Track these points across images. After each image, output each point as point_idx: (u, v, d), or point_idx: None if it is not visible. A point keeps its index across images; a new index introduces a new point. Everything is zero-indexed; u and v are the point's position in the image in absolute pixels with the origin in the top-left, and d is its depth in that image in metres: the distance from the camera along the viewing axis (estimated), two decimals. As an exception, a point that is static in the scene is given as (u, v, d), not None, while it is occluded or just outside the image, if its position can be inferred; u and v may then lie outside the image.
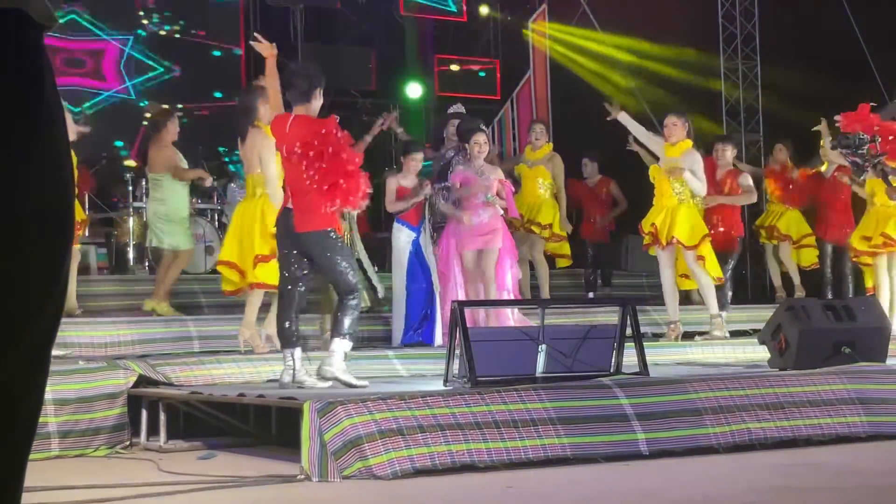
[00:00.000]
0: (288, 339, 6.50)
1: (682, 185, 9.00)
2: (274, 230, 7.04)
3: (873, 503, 4.48)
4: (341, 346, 6.39)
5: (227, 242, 7.93)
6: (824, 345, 7.00)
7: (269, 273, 7.71)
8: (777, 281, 11.74)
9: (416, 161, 9.06)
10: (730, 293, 9.96)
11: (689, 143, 9.08)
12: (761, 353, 7.55)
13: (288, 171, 6.58)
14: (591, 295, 11.82)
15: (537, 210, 10.62)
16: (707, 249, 9.04)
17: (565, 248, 11.07)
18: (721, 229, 9.74)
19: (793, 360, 6.89)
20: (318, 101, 6.59)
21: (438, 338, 8.64)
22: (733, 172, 10.09)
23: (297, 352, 6.49)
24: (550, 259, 11.24)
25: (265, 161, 7.56)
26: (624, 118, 9.35)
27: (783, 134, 12.08)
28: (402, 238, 9.01)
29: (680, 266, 9.23)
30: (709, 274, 9.02)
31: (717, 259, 9.24)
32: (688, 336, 9.19)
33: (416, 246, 8.97)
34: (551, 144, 10.81)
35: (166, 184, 9.16)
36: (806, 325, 7.00)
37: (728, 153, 10.13)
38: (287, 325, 6.49)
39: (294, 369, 6.44)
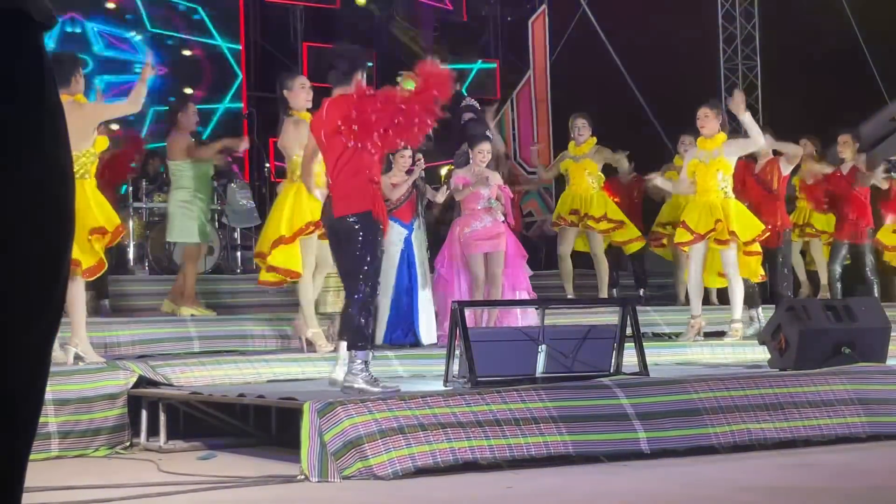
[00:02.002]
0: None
1: (727, 179, 8.89)
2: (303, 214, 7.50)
3: (873, 503, 4.48)
4: (363, 355, 6.00)
5: (263, 235, 7.97)
6: (824, 345, 7.00)
7: (287, 258, 7.71)
8: (802, 276, 11.60)
9: (405, 158, 9.00)
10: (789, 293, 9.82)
11: (724, 135, 8.93)
12: (761, 353, 7.55)
13: (327, 157, 6.18)
14: (614, 292, 11.76)
15: (588, 203, 10.53)
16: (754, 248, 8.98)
17: (632, 232, 10.80)
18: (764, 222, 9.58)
19: (793, 360, 6.89)
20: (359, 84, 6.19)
21: (423, 337, 8.62)
22: (773, 161, 9.78)
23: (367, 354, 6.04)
24: (618, 250, 11.17)
25: (288, 150, 7.76)
26: (662, 183, 9.26)
27: (783, 134, 12.06)
28: (394, 235, 8.86)
29: (716, 265, 9.12)
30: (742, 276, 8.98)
31: (765, 256, 9.21)
32: (710, 335, 9.15)
33: (408, 243, 8.90)
34: (595, 138, 10.58)
35: (187, 172, 9.14)
36: (806, 325, 6.99)
37: (768, 146, 9.88)
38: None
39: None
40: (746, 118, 8.68)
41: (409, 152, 8.95)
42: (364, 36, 15.84)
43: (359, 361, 5.91)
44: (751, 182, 9.37)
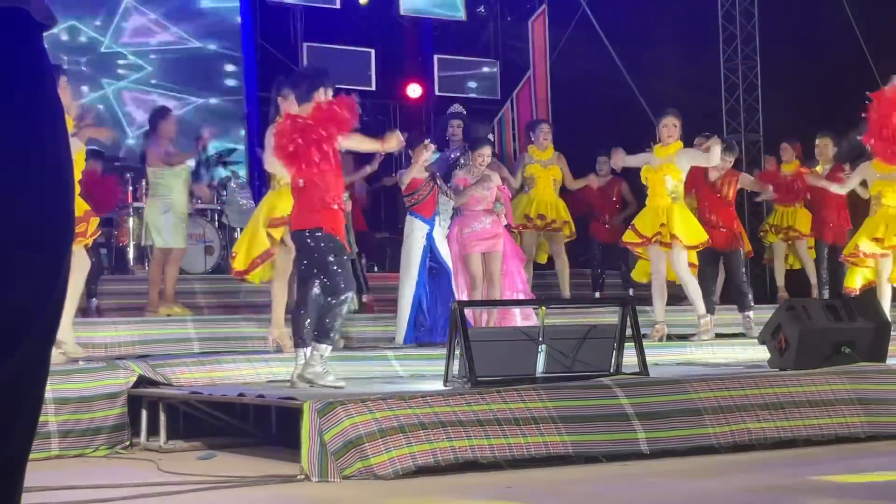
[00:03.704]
0: (302, 337, 6.48)
1: (676, 185, 9.00)
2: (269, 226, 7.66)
3: (872, 503, 4.48)
4: (322, 349, 6.36)
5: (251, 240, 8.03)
6: (824, 345, 7.00)
7: (266, 269, 7.80)
8: (780, 281, 11.68)
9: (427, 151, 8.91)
10: (750, 294, 9.90)
11: (681, 143, 9.09)
12: (761, 353, 7.55)
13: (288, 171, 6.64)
14: (597, 294, 11.79)
15: (556, 209, 10.67)
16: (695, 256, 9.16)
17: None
18: (722, 229, 9.70)
19: (793, 360, 6.89)
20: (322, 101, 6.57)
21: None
22: (732, 174, 9.98)
23: (310, 351, 6.46)
24: (609, 250, 11.28)
25: (268, 160, 7.77)
26: (627, 161, 9.36)
27: (783, 134, 12.06)
28: (416, 231, 8.80)
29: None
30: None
31: (721, 259, 9.30)
32: (681, 337, 9.19)
33: (430, 240, 8.78)
34: (552, 145, 10.83)
35: (165, 180, 9.20)
36: (806, 324, 6.99)
37: (726, 163, 9.98)
38: (306, 323, 6.46)
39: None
40: (715, 155, 8.99)
41: (431, 145, 8.88)
42: (364, 36, 15.84)
43: (301, 357, 6.38)
44: (705, 189, 9.54)
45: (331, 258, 6.37)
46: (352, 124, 6.47)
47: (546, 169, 10.67)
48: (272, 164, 7.67)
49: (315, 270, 6.42)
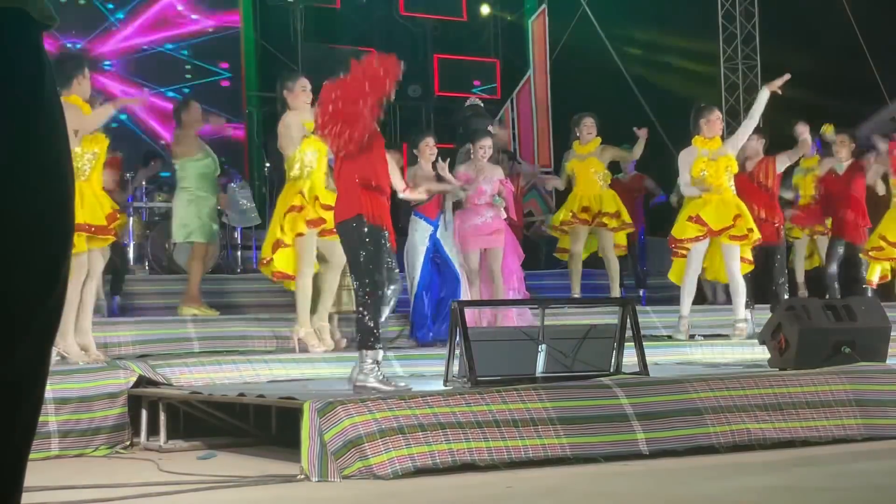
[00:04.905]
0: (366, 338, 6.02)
1: (731, 176, 8.96)
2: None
3: (870, 503, 4.48)
4: (368, 355, 5.96)
5: (269, 232, 8.00)
6: (824, 345, 6.99)
7: (288, 261, 7.76)
8: (801, 278, 11.54)
9: (430, 146, 8.75)
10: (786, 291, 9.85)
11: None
12: (761, 353, 7.55)
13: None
14: (641, 292, 11.68)
15: (600, 202, 10.36)
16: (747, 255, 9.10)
17: (620, 239, 10.67)
18: (765, 222, 9.44)
19: (793, 360, 6.89)
20: None
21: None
22: (767, 159, 9.79)
23: (377, 353, 6.01)
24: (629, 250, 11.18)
25: (283, 149, 7.79)
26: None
27: (783, 134, 12.04)
28: (420, 232, 8.68)
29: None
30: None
31: (765, 253, 9.30)
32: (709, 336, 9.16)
33: (434, 241, 8.67)
34: (600, 138, 10.43)
35: (190, 172, 9.01)
36: (806, 324, 6.99)
37: (753, 142, 9.81)
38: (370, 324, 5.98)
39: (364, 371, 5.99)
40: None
41: (432, 140, 8.77)
42: (364, 36, 15.85)
43: (369, 360, 5.93)
44: (743, 181, 9.39)
45: (363, 252, 5.94)
46: (386, 86, 5.85)
47: (583, 162, 10.33)
48: (288, 146, 7.66)
49: (351, 264, 6.07)
